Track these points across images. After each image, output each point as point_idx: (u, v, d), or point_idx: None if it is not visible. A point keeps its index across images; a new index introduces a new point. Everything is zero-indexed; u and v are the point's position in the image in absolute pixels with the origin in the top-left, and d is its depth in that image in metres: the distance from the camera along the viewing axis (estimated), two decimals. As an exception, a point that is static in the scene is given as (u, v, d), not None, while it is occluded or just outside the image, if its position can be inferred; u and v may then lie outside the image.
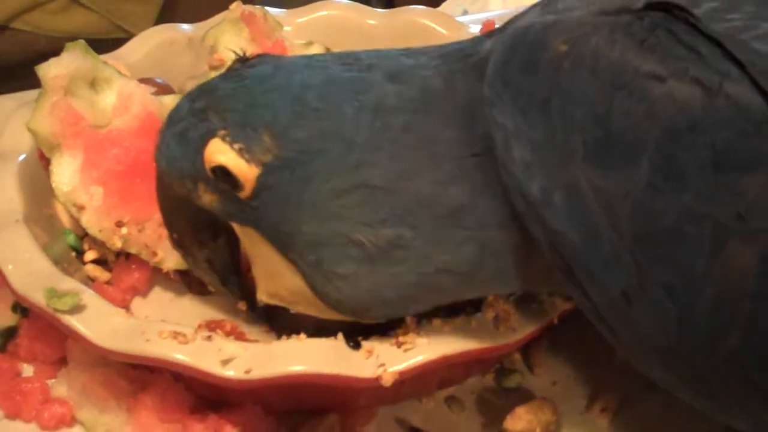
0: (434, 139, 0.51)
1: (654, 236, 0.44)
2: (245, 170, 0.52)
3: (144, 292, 0.66)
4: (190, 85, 0.62)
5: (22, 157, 0.65)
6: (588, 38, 0.46)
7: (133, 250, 0.63)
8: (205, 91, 0.54)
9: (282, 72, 0.54)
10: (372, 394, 0.59)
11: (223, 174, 0.52)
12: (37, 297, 0.56)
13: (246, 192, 0.52)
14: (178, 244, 0.59)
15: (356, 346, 0.55)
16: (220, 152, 0.52)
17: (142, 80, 0.70)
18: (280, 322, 0.60)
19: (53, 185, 0.64)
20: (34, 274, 0.58)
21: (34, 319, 0.62)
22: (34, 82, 0.71)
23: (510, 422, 0.58)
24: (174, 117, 0.55)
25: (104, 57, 0.71)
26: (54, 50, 0.66)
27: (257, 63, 0.55)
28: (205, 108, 0.53)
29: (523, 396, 0.62)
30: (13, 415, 0.60)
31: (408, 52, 0.55)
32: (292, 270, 0.53)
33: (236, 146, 0.52)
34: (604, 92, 0.45)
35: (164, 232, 0.60)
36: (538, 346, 0.64)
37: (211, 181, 0.53)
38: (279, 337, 0.57)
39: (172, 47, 0.78)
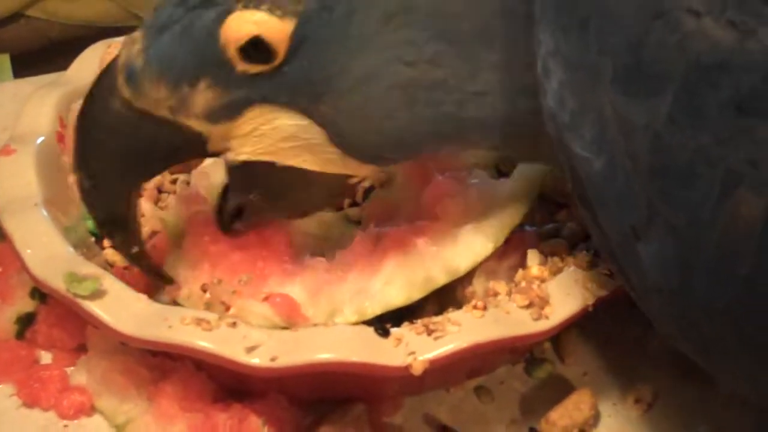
0: None
1: (667, 172, 0.43)
2: (279, 28, 0.50)
3: (164, 279, 0.65)
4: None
5: (40, 139, 0.64)
6: None
7: (216, 311, 0.58)
8: None
9: None
10: (400, 383, 0.57)
11: (253, 48, 0.50)
12: (57, 282, 0.55)
13: (279, 57, 0.50)
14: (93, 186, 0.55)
15: (385, 333, 0.53)
16: (247, 21, 0.50)
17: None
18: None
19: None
20: (53, 258, 0.56)
21: (53, 305, 0.60)
22: (47, 69, 0.69)
23: (545, 427, 0.57)
24: (160, 24, 0.52)
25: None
26: (66, 38, 0.64)
27: None
28: None
29: (553, 386, 0.61)
30: (31, 404, 0.59)
31: None
32: (305, 123, 0.52)
33: (264, 7, 0.50)
34: (642, 19, 0.43)
35: (244, 290, 0.57)
36: (568, 336, 0.62)
37: (223, 68, 0.51)
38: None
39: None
